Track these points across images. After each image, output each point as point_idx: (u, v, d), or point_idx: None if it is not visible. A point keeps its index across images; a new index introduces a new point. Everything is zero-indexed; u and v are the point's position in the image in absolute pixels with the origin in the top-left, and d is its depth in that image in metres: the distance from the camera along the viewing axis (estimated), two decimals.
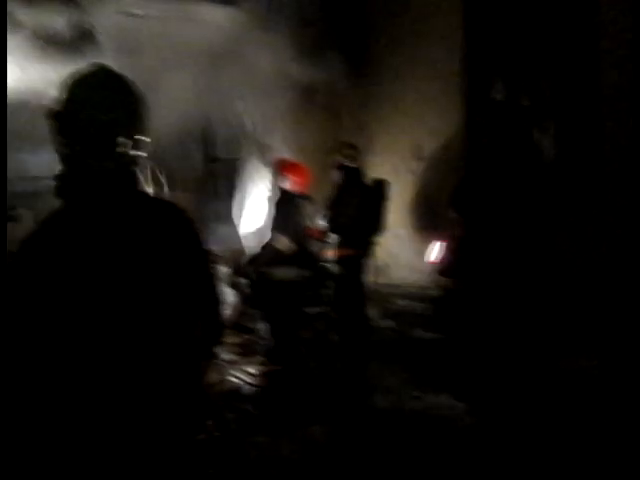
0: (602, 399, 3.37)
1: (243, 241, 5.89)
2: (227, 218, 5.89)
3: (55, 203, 1.36)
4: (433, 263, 3.39)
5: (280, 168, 4.43)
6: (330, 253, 4.38)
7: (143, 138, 1.41)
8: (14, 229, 3.69)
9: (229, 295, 5.01)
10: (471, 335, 3.29)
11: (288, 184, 4.32)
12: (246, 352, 4.67)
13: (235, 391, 4.03)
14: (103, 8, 4.57)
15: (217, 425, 3.23)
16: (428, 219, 5.06)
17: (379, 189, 4.46)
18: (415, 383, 4.09)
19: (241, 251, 5.57)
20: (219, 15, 5.27)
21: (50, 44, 4.35)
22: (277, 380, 4.23)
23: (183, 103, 4.53)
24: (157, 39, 4.60)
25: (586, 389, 3.48)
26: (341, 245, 4.33)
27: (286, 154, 5.70)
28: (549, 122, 4.23)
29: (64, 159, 1.36)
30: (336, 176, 4.46)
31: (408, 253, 5.37)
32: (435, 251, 3.38)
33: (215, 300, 1.51)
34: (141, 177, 1.42)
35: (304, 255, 4.31)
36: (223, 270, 4.99)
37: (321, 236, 4.41)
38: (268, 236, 4.33)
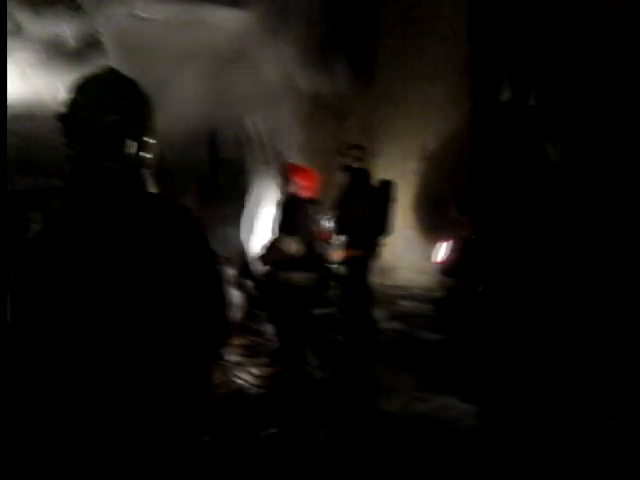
0: (604, 400, 3.36)
1: (248, 243, 5.90)
2: (233, 220, 5.90)
3: (63, 205, 1.37)
4: (439, 263, 3.40)
5: (287, 172, 4.45)
6: (337, 255, 4.39)
7: (149, 140, 1.41)
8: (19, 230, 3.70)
9: (235, 297, 5.02)
10: (477, 336, 3.28)
11: (295, 188, 4.33)
12: (251, 353, 4.68)
13: (240, 392, 4.04)
14: (110, 11, 4.59)
15: (222, 426, 3.24)
16: (433, 220, 5.05)
17: (385, 190, 4.46)
18: (421, 385, 4.08)
19: (247, 253, 5.58)
20: (226, 18, 5.28)
21: (57, 53, 4.37)
22: (282, 382, 4.23)
23: (189, 105, 4.54)
24: (163, 42, 4.62)
25: (590, 390, 3.47)
26: (347, 246, 4.33)
27: (292, 156, 5.71)
28: (555, 122, 4.22)
29: (71, 161, 1.37)
30: (342, 178, 4.46)
31: (414, 254, 5.37)
32: (441, 251, 3.38)
33: (221, 301, 1.51)
34: (148, 178, 1.43)
35: (312, 258, 4.33)
36: (229, 272, 5.01)
37: (328, 238, 4.42)
38: (272, 238, 4.35)
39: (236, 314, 4.86)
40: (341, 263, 4.36)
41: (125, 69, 1.46)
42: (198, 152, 5.58)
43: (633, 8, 3.74)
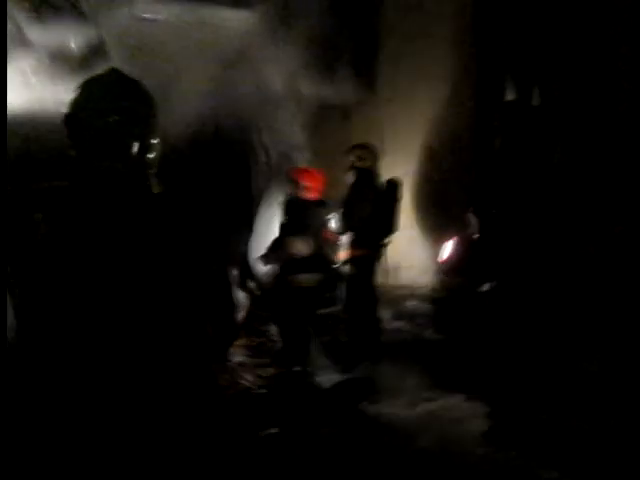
0: (605, 401, 3.35)
1: (252, 244, 5.91)
2: (236, 221, 5.91)
3: (67, 205, 1.37)
4: (444, 262, 3.40)
5: (293, 174, 4.49)
6: (342, 255, 4.39)
7: (152, 140, 1.42)
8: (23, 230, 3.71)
9: (240, 297, 5.03)
10: (481, 335, 3.27)
11: (301, 189, 4.36)
12: (256, 354, 4.68)
13: (245, 393, 4.04)
14: (115, 13, 4.60)
15: (226, 426, 3.24)
16: (438, 220, 5.04)
17: (391, 189, 4.46)
18: (425, 385, 4.07)
19: (250, 254, 5.58)
20: (232, 18, 5.29)
21: (60, 60, 4.38)
22: (287, 382, 4.24)
23: (193, 106, 4.55)
24: (169, 43, 4.63)
25: (591, 391, 3.46)
26: (353, 246, 4.33)
27: (295, 156, 5.72)
28: (558, 122, 4.20)
29: (74, 160, 1.37)
30: (348, 177, 4.47)
31: (419, 254, 5.36)
32: (446, 250, 3.38)
33: (227, 302, 1.52)
34: (150, 178, 1.43)
35: (318, 258, 4.35)
36: (234, 272, 5.01)
37: (334, 239, 4.43)
38: (278, 238, 4.36)
39: (240, 314, 4.86)
40: (346, 262, 4.36)
41: (128, 70, 1.47)
42: (203, 152, 5.59)
43: (635, 7, 3.73)
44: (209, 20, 5.15)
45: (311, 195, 4.38)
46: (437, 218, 5.09)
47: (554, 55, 4.35)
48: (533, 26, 4.48)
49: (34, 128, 3.97)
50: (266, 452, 3.15)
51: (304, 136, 5.69)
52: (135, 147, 1.37)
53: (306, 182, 4.37)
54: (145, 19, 4.82)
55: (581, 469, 2.84)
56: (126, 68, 1.49)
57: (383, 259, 4.60)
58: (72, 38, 4.45)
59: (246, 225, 5.85)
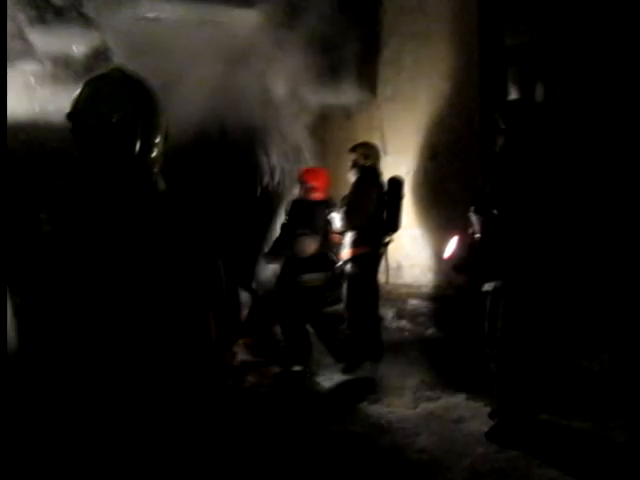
0: (606, 400, 3.35)
1: (257, 244, 5.91)
2: (241, 219, 5.92)
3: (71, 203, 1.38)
4: (448, 259, 3.40)
5: (301, 175, 4.53)
6: (345, 253, 4.41)
7: (156, 138, 1.42)
8: (27, 229, 3.73)
9: (244, 296, 5.04)
10: (485, 334, 3.27)
11: (309, 190, 4.41)
12: (259, 353, 4.70)
13: (248, 392, 4.06)
14: (118, 12, 4.61)
15: (231, 424, 3.25)
16: (441, 218, 5.04)
17: (394, 187, 4.48)
18: (428, 383, 4.08)
19: (255, 254, 5.59)
20: (236, 18, 5.29)
21: (64, 66, 4.38)
22: (291, 381, 4.25)
23: (198, 105, 4.56)
24: (173, 42, 4.63)
25: (591, 389, 3.47)
26: (356, 244, 4.35)
27: (299, 155, 5.72)
28: (564, 122, 4.20)
29: (79, 158, 1.38)
30: (351, 175, 4.48)
31: (422, 253, 5.36)
32: (450, 247, 3.38)
33: (232, 300, 1.52)
34: (156, 176, 1.43)
35: (322, 257, 4.39)
36: (238, 272, 5.02)
37: (338, 237, 4.45)
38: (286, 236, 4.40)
39: (246, 313, 4.88)
40: (349, 260, 4.38)
41: (134, 69, 1.47)
42: (207, 151, 5.60)
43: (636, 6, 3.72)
44: (214, 19, 5.16)
45: (317, 195, 4.42)
46: (439, 217, 5.09)
47: (558, 54, 4.34)
48: (538, 22, 4.48)
49: (35, 132, 3.98)
50: (269, 451, 3.16)
51: (307, 135, 5.70)
52: (138, 145, 1.37)
53: (313, 182, 4.41)
54: (151, 19, 4.82)
55: (581, 469, 2.85)
56: (130, 67, 1.49)
57: (385, 258, 4.61)
58: (76, 43, 4.46)
59: (249, 224, 5.85)
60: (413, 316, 5.32)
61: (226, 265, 1.50)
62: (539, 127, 3.63)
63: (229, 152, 5.57)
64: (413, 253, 5.40)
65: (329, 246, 4.47)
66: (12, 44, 4.04)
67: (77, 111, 1.36)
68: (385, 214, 4.43)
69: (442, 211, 5.07)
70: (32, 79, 4.25)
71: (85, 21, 4.48)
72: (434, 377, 4.17)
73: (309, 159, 5.71)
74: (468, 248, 3.34)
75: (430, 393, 3.91)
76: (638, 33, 3.82)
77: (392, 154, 5.50)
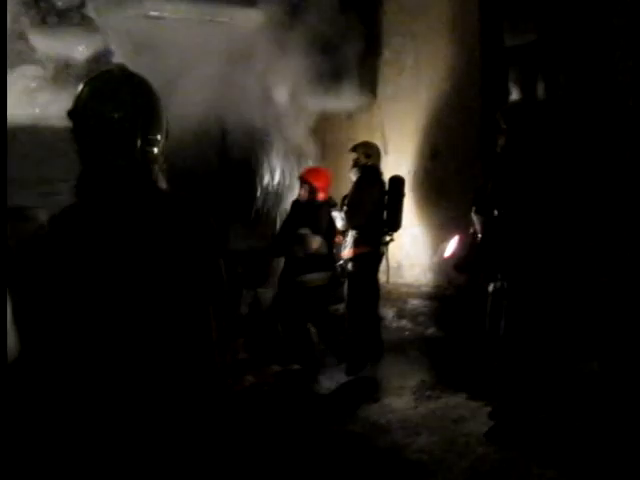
0: (604, 401, 3.36)
1: (259, 243, 5.92)
2: (243, 219, 5.92)
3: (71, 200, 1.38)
4: (448, 258, 3.41)
5: (305, 176, 4.55)
6: (346, 252, 4.42)
7: (157, 136, 1.42)
8: (26, 228, 3.74)
9: (244, 295, 5.04)
10: (486, 333, 3.27)
11: (313, 190, 4.42)
12: (259, 352, 4.70)
13: (249, 391, 4.06)
14: (121, 11, 4.61)
15: (231, 423, 3.25)
16: (442, 219, 5.04)
17: (395, 186, 4.49)
18: (428, 383, 4.08)
19: (257, 252, 5.60)
20: (239, 17, 5.29)
21: (65, 69, 4.39)
22: (291, 380, 4.25)
23: (201, 104, 4.56)
24: (175, 41, 4.63)
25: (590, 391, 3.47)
26: (357, 243, 4.35)
27: (301, 155, 5.73)
28: (566, 120, 4.19)
29: (80, 156, 1.38)
30: (352, 175, 4.49)
31: (422, 253, 5.36)
32: (450, 246, 3.38)
33: (230, 298, 1.52)
34: (156, 174, 1.43)
35: (325, 257, 4.41)
36: (239, 270, 5.03)
37: (340, 237, 4.47)
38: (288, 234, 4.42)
39: (245, 312, 4.88)
40: (350, 260, 4.38)
41: (136, 68, 1.47)
42: (208, 150, 5.61)
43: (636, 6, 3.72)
44: (216, 18, 5.16)
45: (319, 195, 4.44)
46: (439, 217, 5.09)
47: (559, 54, 4.34)
48: (540, 23, 4.48)
49: (35, 133, 3.99)
50: (270, 450, 3.16)
51: (308, 135, 5.70)
52: (138, 143, 1.37)
53: (315, 182, 4.43)
54: (155, 17, 4.83)
55: (581, 469, 2.85)
56: (132, 65, 1.49)
57: (385, 257, 4.62)
58: (78, 46, 4.47)
59: (248, 224, 5.86)
60: (413, 316, 5.32)
61: (227, 264, 1.50)
62: (540, 127, 3.64)
63: (229, 150, 5.58)
64: (414, 253, 5.40)
65: (330, 246, 4.49)
66: (13, 46, 4.04)
67: (78, 109, 1.36)
68: (386, 213, 4.44)
69: (443, 211, 5.07)
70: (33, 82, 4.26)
71: (87, 24, 4.48)
72: (434, 377, 4.17)
73: (310, 158, 5.71)
74: (469, 248, 3.34)
75: (430, 393, 3.91)
76: (638, 33, 3.82)
77: (393, 154, 5.51)
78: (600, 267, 3.84)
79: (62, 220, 1.36)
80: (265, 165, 6.00)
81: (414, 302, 5.37)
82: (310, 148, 5.70)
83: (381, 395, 3.96)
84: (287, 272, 4.47)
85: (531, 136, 3.30)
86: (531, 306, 3.13)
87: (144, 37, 4.47)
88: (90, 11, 4.56)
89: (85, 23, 4.52)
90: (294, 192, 4.93)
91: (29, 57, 4.32)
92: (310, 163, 5.53)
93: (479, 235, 3.27)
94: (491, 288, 3.23)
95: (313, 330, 4.51)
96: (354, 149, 4.56)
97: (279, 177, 5.99)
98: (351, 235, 4.37)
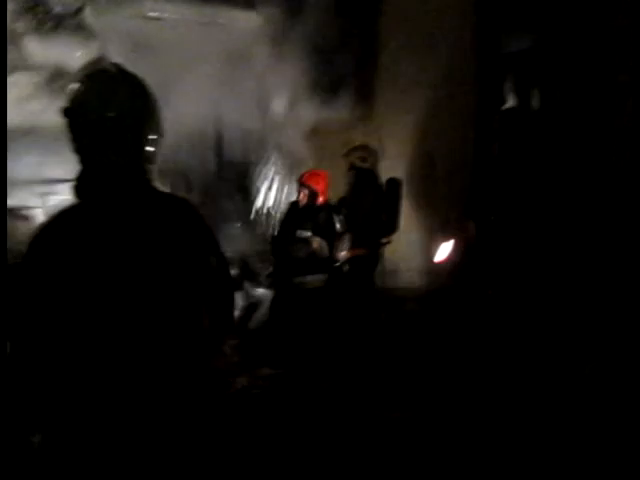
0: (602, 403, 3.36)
1: (254, 244, 5.92)
2: (239, 221, 5.93)
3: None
4: (440, 263, 3.42)
5: (303, 179, 4.56)
6: (343, 255, 4.42)
7: (152, 135, 1.42)
8: (25, 227, 3.73)
9: (238, 297, 5.04)
10: (481, 337, 3.28)
11: (311, 193, 4.43)
12: (254, 354, 4.69)
13: (242, 393, 4.05)
14: (119, 12, 4.62)
15: (224, 425, 3.24)
16: (437, 224, 5.06)
17: (392, 188, 4.51)
18: (423, 387, 4.08)
19: (252, 254, 5.60)
20: (238, 18, 5.30)
21: (61, 76, 4.38)
22: (284, 383, 4.24)
23: (198, 106, 4.57)
24: (173, 42, 4.64)
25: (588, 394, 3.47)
26: (354, 245, 4.36)
27: (297, 156, 5.74)
28: (560, 127, 4.22)
29: (75, 155, 1.38)
30: (349, 178, 4.51)
31: (417, 257, 5.37)
32: (442, 252, 3.40)
33: (224, 298, 1.52)
34: (150, 173, 1.43)
35: (323, 260, 4.41)
36: (233, 272, 5.03)
37: (338, 239, 4.48)
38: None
39: (238, 314, 4.88)
40: (346, 262, 4.39)
41: (133, 68, 1.47)
42: (205, 151, 5.61)
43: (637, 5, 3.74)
44: (215, 19, 5.17)
45: (317, 198, 4.45)
46: (435, 222, 5.11)
47: (555, 61, 4.37)
48: (536, 31, 4.51)
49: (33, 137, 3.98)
50: (264, 452, 3.15)
51: (305, 139, 5.72)
52: (135, 142, 1.38)
53: (313, 185, 4.45)
54: (153, 18, 4.83)
55: (579, 469, 2.85)
56: (129, 65, 1.49)
57: (382, 260, 4.63)
58: (74, 53, 4.47)
59: (244, 225, 5.87)
60: (409, 319, 5.32)
61: (222, 264, 1.50)
62: (536, 134, 3.66)
63: (225, 153, 5.58)
64: (409, 257, 5.42)
65: (328, 248, 4.49)
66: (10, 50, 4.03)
67: (73, 106, 1.37)
68: (384, 215, 4.46)
69: (438, 216, 5.09)
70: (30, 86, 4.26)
71: (86, 32, 4.49)
72: (430, 380, 4.17)
73: (307, 162, 5.73)
74: (462, 255, 3.35)
75: (426, 396, 3.91)
76: (635, 40, 3.84)
77: (389, 159, 5.52)
78: (595, 271, 3.85)
79: (61, 220, 1.36)
80: (261, 167, 6.01)
81: (410, 305, 5.38)
82: (307, 151, 5.72)
83: (376, 398, 3.95)
84: (285, 274, 4.46)
85: (527, 141, 3.32)
86: (526, 310, 3.14)
87: (142, 37, 4.48)
88: (88, 15, 4.57)
89: (81, 30, 4.53)
90: (291, 194, 4.94)
91: (23, 63, 4.32)
92: (308, 167, 5.54)
93: (474, 240, 3.28)
94: (486, 292, 3.24)
95: (310, 332, 4.50)
96: (348, 153, 4.58)
97: (276, 178, 6.00)
98: (347, 238, 4.38)
